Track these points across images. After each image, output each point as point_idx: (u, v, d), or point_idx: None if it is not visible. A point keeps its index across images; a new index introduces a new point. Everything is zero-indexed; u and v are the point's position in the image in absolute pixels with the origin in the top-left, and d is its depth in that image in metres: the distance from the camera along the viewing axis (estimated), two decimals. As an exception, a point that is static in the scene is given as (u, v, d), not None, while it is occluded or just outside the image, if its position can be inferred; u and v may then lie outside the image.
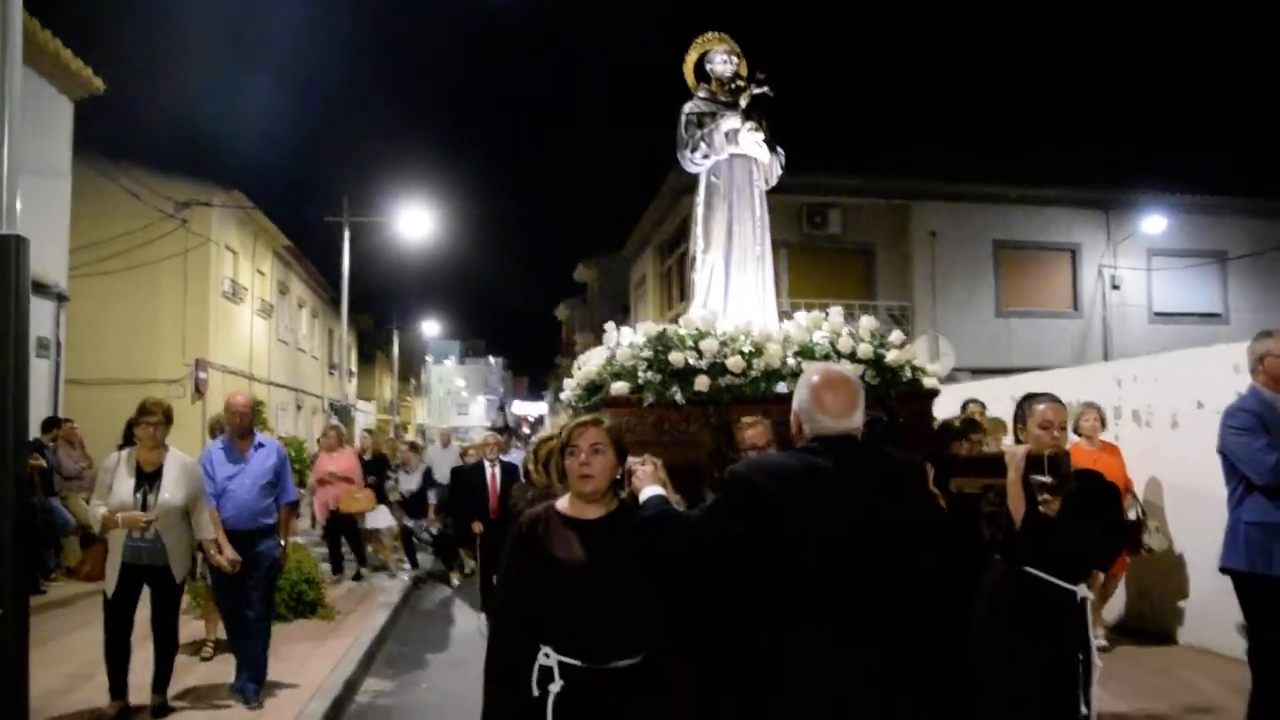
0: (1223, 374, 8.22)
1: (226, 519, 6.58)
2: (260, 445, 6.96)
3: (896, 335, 5.61)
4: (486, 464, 11.18)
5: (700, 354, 5.22)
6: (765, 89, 6.21)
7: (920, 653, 3.00)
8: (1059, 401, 4.45)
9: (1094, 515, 4.27)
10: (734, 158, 6.18)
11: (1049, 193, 22.11)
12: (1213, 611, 7.83)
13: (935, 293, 21.56)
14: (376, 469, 13.96)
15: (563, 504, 3.47)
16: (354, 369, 29.63)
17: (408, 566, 14.09)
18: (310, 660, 8.04)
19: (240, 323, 23.04)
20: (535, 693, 3.23)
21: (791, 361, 5.37)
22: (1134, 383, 9.04)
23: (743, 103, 6.20)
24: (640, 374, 5.19)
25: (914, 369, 5.52)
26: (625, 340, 5.67)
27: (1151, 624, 8.40)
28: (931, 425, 5.55)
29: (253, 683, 6.66)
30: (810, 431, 3.10)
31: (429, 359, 72.64)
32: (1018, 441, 4.44)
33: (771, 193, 21.20)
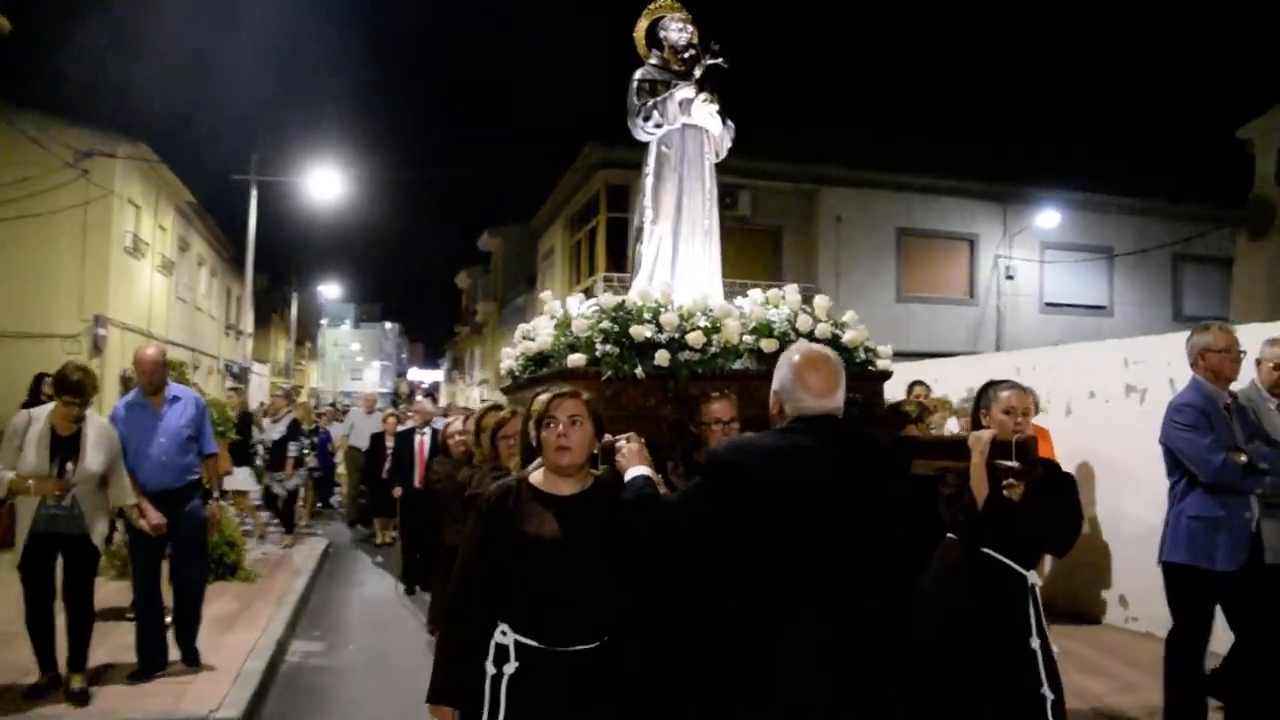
0: (1113, 367, 8.52)
1: (145, 480, 6.12)
2: (175, 399, 6.43)
3: (851, 315, 5.52)
4: (416, 432, 10.97)
5: (660, 328, 5.03)
6: (720, 60, 6.00)
7: (894, 633, 2.93)
8: (1022, 388, 4.41)
9: (1054, 501, 4.27)
10: (686, 128, 5.96)
11: (951, 184, 22.43)
12: (1113, 591, 8.08)
13: (839, 276, 21.62)
14: (240, 427, 12.29)
15: (535, 477, 3.30)
16: (251, 330, 28.71)
17: (276, 531, 13.03)
18: (238, 621, 7.92)
19: (140, 279, 22.05)
20: (490, 671, 3.08)
21: (749, 339, 5.21)
22: (1033, 371, 9.24)
23: (697, 73, 5.98)
24: (598, 346, 4.98)
25: (867, 350, 5.43)
26: (575, 310, 5.51)
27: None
28: (882, 407, 5.48)
29: (190, 642, 6.43)
30: (792, 411, 3.01)
31: (324, 322, 70.86)
32: (978, 426, 4.40)
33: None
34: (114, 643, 6.74)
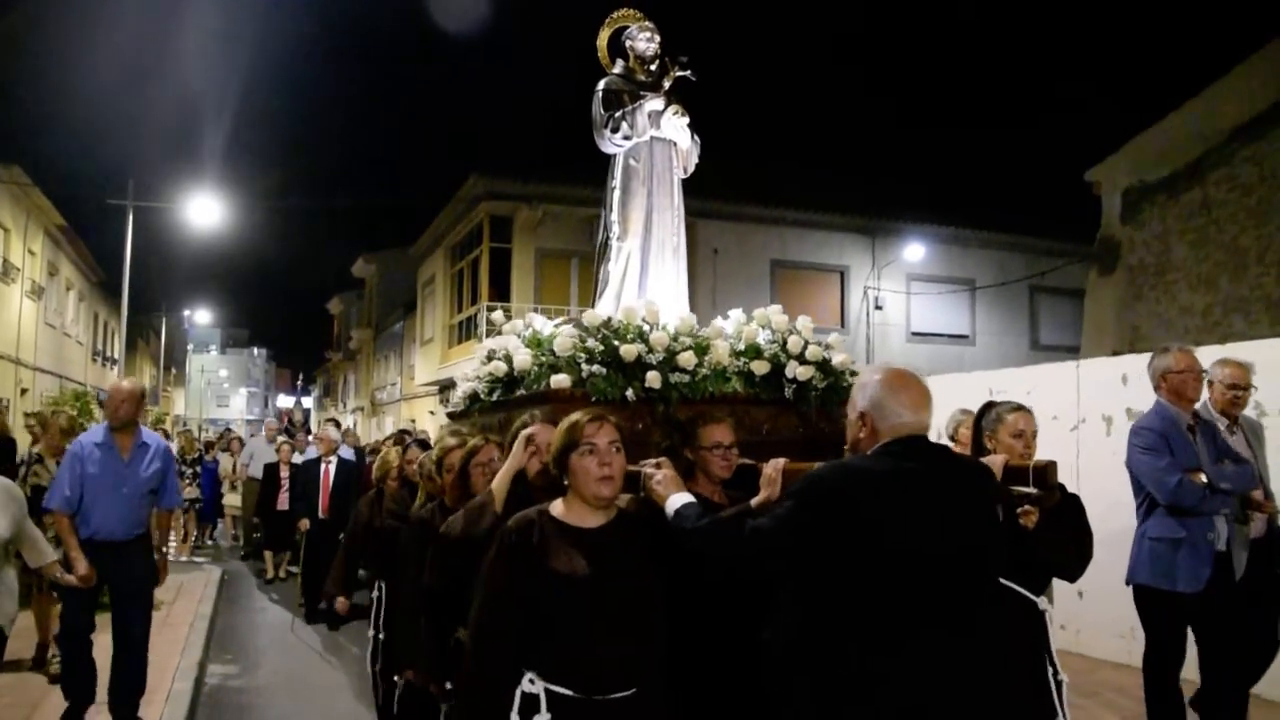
0: (980, 396, 8.43)
1: (95, 528, 5.35)
2: (144, 445, 5.67)
3: (835, 337, 5.15)
4: (322, 461, 10.10)
5: (650, 347, 4.54)
6: (688, 73, 5.57)
7: (1000, 659, 2.83)
8: (1029, 410, 4.14)
9: (1067, 525, 3.99)
10: (654, 141, 5.50)
11: (823, 217, 22.59)
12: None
13: (716, 306, 21.32)
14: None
15: (557, 510, 2.92)
16: (122, 357, 27.06)
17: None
18: (153, 646, 7.20)
19: (9, 304, 20.45)
20: None
21: (739, 362, 4.78)
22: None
23: (666, 84, 5.54)
24: (583, 367, 4.46)
25: (853, 374, 5.07)
26: (543, 329, 4.99)
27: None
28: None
29: (133, 700, 5.66)
30: (887, 430, 2.75)
31: (189, 348, 67.44)
32: (981, 450, 4.10)
33: (560, 202, 20.63)
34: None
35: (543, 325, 5.10)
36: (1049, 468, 3.59)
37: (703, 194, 22.23)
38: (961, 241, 23.97)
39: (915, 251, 22.30)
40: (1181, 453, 4.92)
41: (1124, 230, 17.55)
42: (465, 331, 23.31)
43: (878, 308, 22.85)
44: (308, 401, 56.98)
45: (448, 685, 3.55)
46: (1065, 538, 3.92)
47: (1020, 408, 4.12)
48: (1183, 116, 16.57)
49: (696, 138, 5.70)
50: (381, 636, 5.17)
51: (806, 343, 4.80)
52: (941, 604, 2.58)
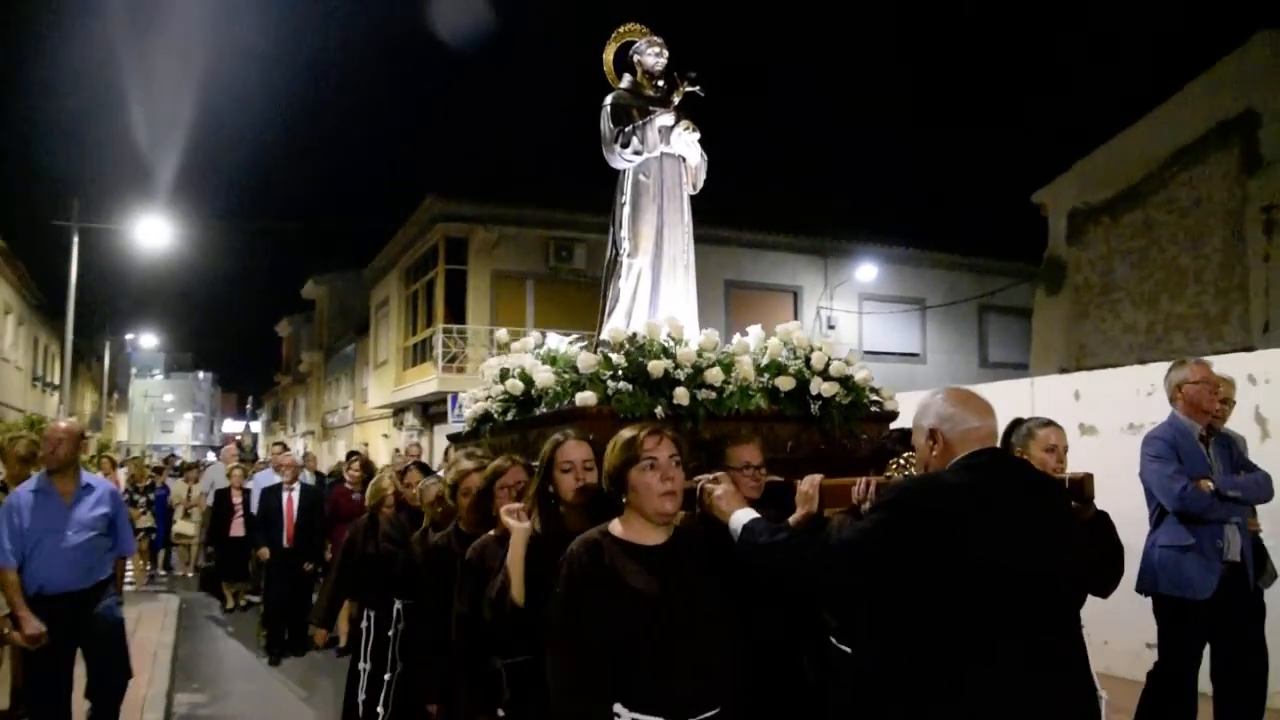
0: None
1: (45, 582, 5.02)
2: (88, 487, 5.33)
3: (853, 354, 5.07)
4: (284, 488, 9.58)
5: (677, 364, 4.39)
6: (697, 88, 5.46)
7: (1084, 676, 2.83)
8: (1059, 425, 4.11)
9: (1099, 539, 3.94)
10: (664, 157, 5.36)
11: (776, 239, 22.66)
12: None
13: (672, 326, 21.42)
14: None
15: (617, 529, 2.81)
16: (58, 382, 26.23)
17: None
18: None
19: (-56, 329, 19.75)
20: None
21: (763, 378, 4.66)
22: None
23: (676, 99, 5.41)
24: (609, 384, 4.31)
25: (873, 389, 5.00)
26: (559, 346, 4.85)
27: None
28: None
29: None
30: (959, 440, 2.71)
31: (133, 372, 65.55)
32: None
33: (516, 224, 20.35)
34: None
35: (557, 343, 4.96)
36: (1086, 480, 3.55)
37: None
38: (912, 262, 24.21)
39: (867, 272, 22.45)
40: (1191, 461, 4.94)
41: (1070, 250, 17.84)
42: (420, 354, 22.95)
43: (830, 327, 22.92)
44: (255, 426, 55.72)
45: (500, 713, 3.36)
46: (1097, 552, 3.89)
47: (1050, 423, 4.09)
48: (1124, 141, 16.91)
49: (705, 154, 5.59)
50: (396, 672, 4.93)
51: (830, 359, 4.71)
52: (1032, 620, 2.53)
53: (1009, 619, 2.51)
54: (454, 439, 5.96)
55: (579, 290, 21.58)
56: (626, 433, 2.87)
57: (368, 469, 9.71)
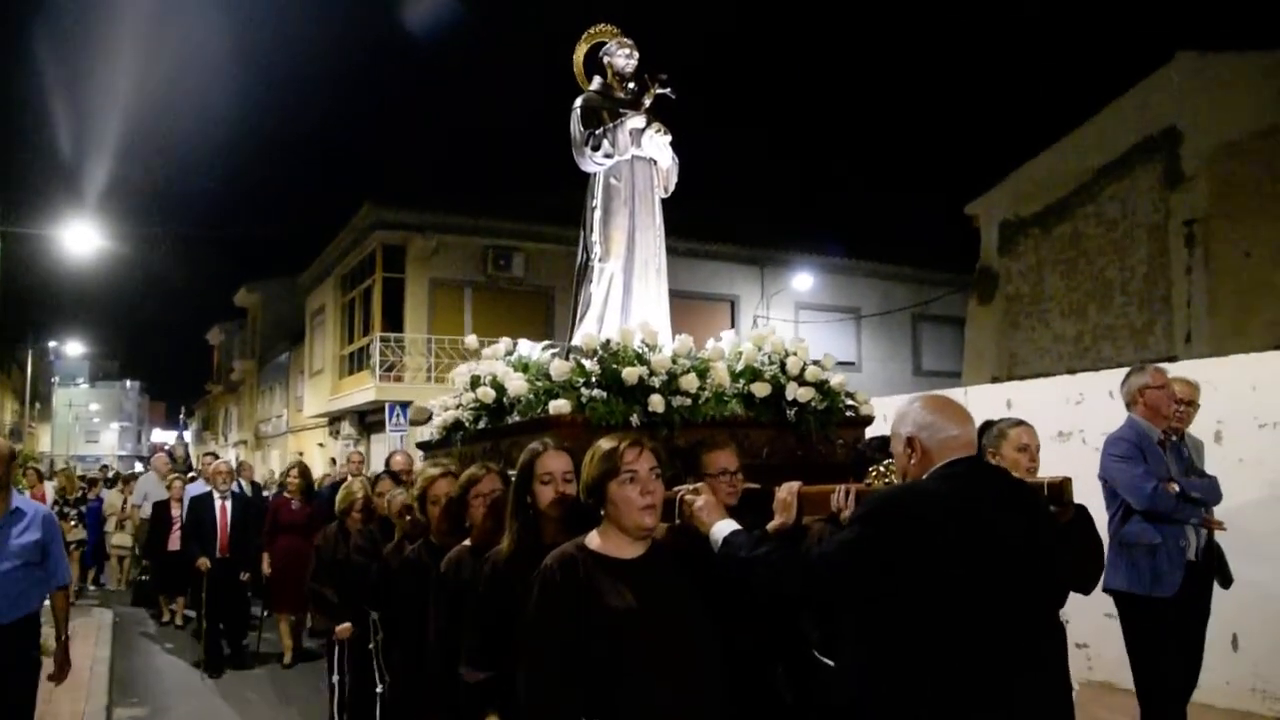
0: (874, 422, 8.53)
1: None
2: (17, 511, 4.78)
3: (829, 358, 4.99)
4: (217, 496, 9.20)
5: (651, 370, 4.26)
6: (668, 90, 5.33)
7: (1065, 677, 2.83)
8: (1030, 425, 4.07)
9: (1080, 538, 3.90)
10: (636, 160, 5.22)
11: (714, 248, 22.59)
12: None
13: (608, 335, 21.30)
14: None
15: (594, 542, 2.72)
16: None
17: None
18: (55, 692, 6.68)
19: None
20: None
21: (738, 384, 4.54)
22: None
23: (647, 102, 5.28)
24: (583, 391, 4.17)
25: (849, 394, 4.93)
26: (531, 353, 4.70)
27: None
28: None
29: None
30: (937, 448, 2.66)
31: (54, 380, 63.23)
32: None
33: (455, 232, 20.04)
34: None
35: (529, 349, 4.80)
36: (1065, 483, 3.51)
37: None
38: (847, 271, 24.28)
39: (803, 281, 22.52)
40: (1155, 463, 4.98)
41: (1001, 261, 18.09)
42: (357, 362, 22.48)
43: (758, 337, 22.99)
44: (186, 436, 54.22)
45: None
46: (1080, 551, 3.84)
47: (1021, 422, 4.06)
48: (1054, 155, 17.20)
49: (675, 157, 5.47)
50: (386, 683, 4.72)
51: (805, 364, 4.62)
52: (1015, 626, 2.51)
53: (993, 626, 2.48)
54: (424, 447, 5.75)
55: (517, 298, 21.46)
56: (606, 443, 2.77)
57: (306, 477, 9.43)
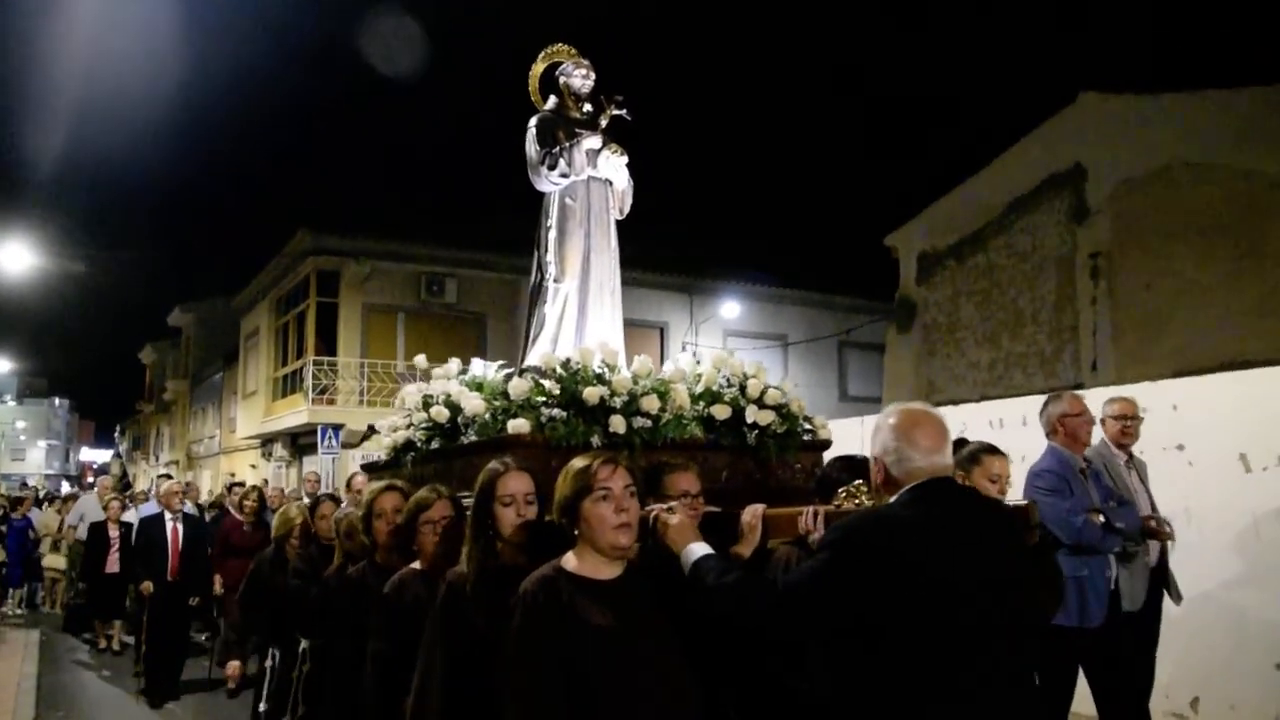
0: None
1: None
2: None
3: (788, 382, 4.79)
4: (169, 517, 8.61)
5: (612, 391, 4.04)
6: (624, 112, 5.13)
7: (1038, 706, 2.66)
8: (1004, 454, 3.91)
9: (1041, 565, 3.75)
10: (591, 180, 5.02)
11: (643, 275, 22.46)
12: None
13: (543, 359, 21.05)
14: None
15: (570, 564, 2.56)
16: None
17: None
18: None
19: None
20: None
21: (698, 406, 4.33)
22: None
23: (603, 122, 5.08)
24: (543, 411, 3.92)
25: (807, 418, 4.73)
26: (484, 373, 4.43)
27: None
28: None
29: None
30: (902, 476, 2.51)
31: None
32: None
33: (388, 259, 19.61)
34: None
35: (482, 369, 4.53)
36: (1030, 508, 3.37)
37: (526, 254, 21.76)
38: (775, 299, 24.29)
39: (731, 309, 22.43)
40: (1080, 494, 4.87)
41: (919, 291, 18.24)
42: (291, 385, 21.91)
43: (697, 362, 22.88)
44: (111, 455, 52.08)
45: None
46: (1042, 578, 3.70)
47: (995, 450, 3.90)
48: (968, 189, 17.41)
49: (631, 179, 5.26)
50: (298, 715, 4.38)
51: (766, 387, 4.42)
52: (990, 651, 2.37)
53: (966, 651, 2.34)
54: (369, 469, 5.43)
55: (450, 323, 21.17)
56: (579, 462, 2.62)
57: (260, 500, 8.98)
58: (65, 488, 30.16)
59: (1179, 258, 13.81)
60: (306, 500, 6.50)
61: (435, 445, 4.50)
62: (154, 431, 42.52)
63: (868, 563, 2.33)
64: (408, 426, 4.68)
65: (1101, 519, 4.77)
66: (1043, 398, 5.43)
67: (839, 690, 2.48)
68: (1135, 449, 5.36)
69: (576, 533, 2.57)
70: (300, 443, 21.91)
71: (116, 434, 53.56)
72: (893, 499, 2.53)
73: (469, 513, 3.13)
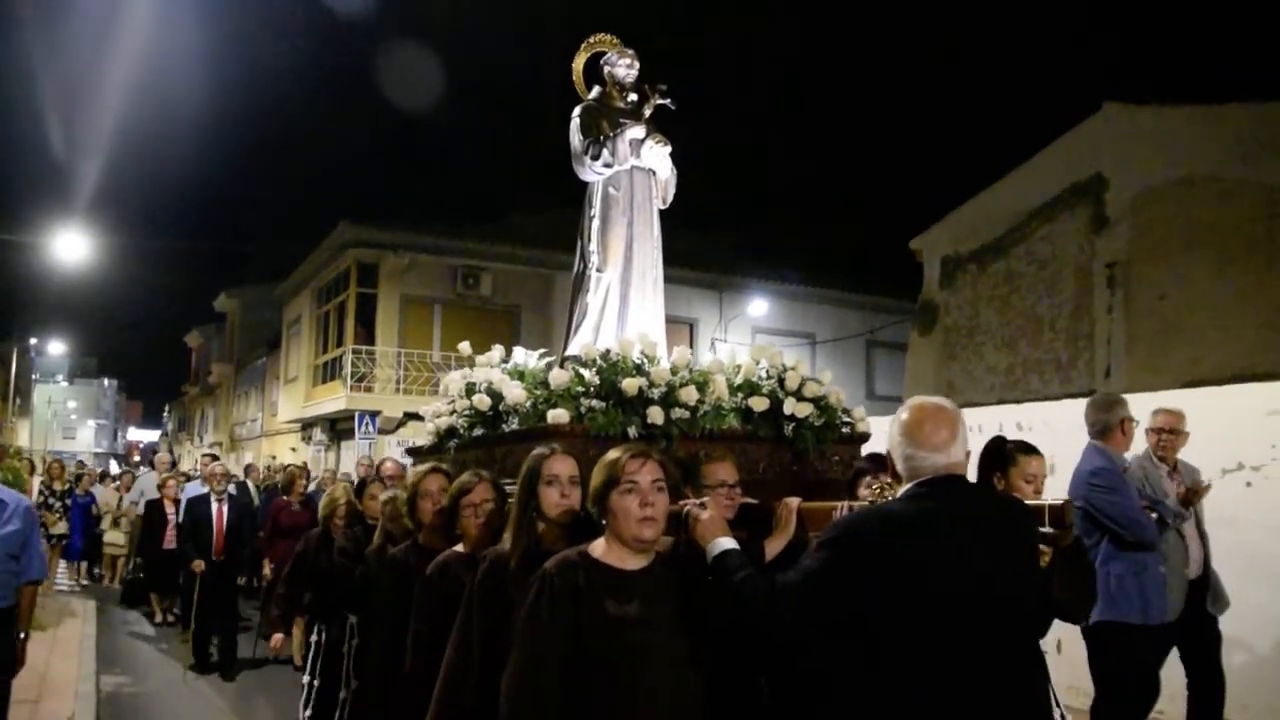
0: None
1: None
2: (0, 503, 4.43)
3: (826, 375, 4.70)
4: (213, 498, 8.54)
5: (651, 382, 3.93)
6: (668, 101, 5.00)
7: (1043, 700, 2.61)
8: (1041, 454, 3.81)
9: (1075, 565, 3.64)
10: (635, 170, 4.89)
11: (674, 272, 22.32)
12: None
13: (573, 355, 21.01)
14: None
15: (598, 551, 2.53)
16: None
17: None
18: (49, 659, 7.73)
19: None
20: None
21: (736, 398, 4.21)
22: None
23: (646, 112, 4.96)
24: (581, 401, 3.84)
25: (845, 410, 4.60)
26: (526, 361, 4.37)
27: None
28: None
29: None
30: (908, 472, 2.44)
31: (35, 377, 60.68)
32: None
33: (426, 252, 19.67)
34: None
35: (524, 358, 4.48)
36: (1066, 506, 3.27)
37: (561, 247, 21.74)
38: (803, 298, 23.98)
39: (759, 307, 22.22)
40: (1133, 492, 4.78)
41: (941, 294, 18.03)
42: (330, 372, 21.94)
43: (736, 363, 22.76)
44: (158, 434, 52.41)
45: None
46: (1073, 578, 3.60)
47: (1033, 450, 3.77)
48: (991, 196, 17.16)
49: (674, 169, 5.14)
50: (351, 689, 4.34)
51: (804, 379, 4.33)
52: (989, 647, 2.29)
53: (964, 648, 2.27)
54: (414, 453, 5.37)
55: (484, 316, 21.15)
56: (610, 454, 2.60)
57: (307, 481, 9.02)
58: (114, 466, 30.39)
59: (1194, 270, 13.55)
60: (355, 481, 6.48)
61: (477, 432, 4.42)
62: (199, 413, 42.81)
63: (862, 557, 2.27)
64: (451, 413, 4.60)
65: (1156, 515, 4.72)
66: (1063, 402, 5.32)
67: (834, 688, 2.42)
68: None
69: (604, 522, 2.54)
70: (339, 428, 21.99)
71: (165, 414, 53.96)
72: (898, 494, 2.48)
73: (514, 495, 3.10)
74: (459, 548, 3.39)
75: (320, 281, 23.20)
